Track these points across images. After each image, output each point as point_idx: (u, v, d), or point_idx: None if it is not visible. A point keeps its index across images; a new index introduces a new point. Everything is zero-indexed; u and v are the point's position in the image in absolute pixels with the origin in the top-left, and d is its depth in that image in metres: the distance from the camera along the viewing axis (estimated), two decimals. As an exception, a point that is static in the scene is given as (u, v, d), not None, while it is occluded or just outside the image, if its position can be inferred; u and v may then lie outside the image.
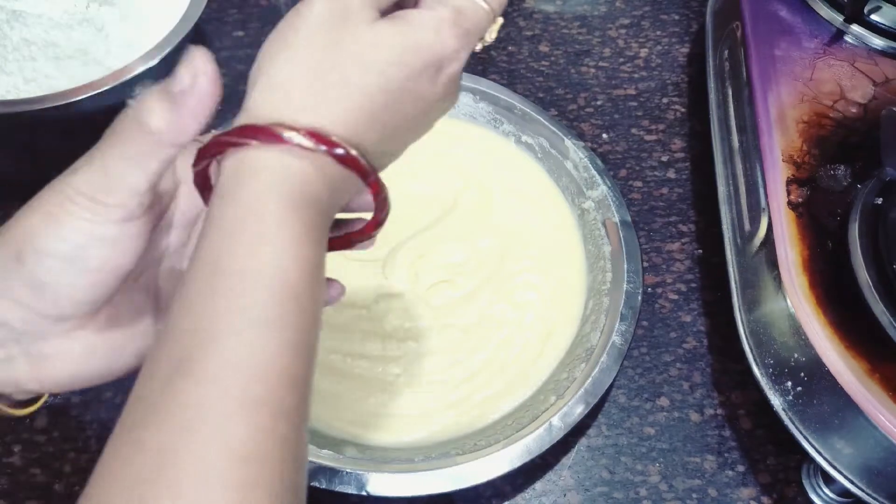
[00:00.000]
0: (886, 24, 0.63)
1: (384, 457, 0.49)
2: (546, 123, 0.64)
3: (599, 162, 0.62)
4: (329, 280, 0.33)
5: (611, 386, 0.51)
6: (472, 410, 0.52)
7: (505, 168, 0.65)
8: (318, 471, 0.45)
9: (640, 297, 0.54)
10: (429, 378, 0.54)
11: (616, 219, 0.58)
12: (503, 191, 0.63)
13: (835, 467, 0.45)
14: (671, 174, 0.69)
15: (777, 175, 0.53)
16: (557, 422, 0.48)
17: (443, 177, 0.64)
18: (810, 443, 0.45)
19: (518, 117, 0.65)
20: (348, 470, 0.45)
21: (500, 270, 0.59)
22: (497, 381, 0.54)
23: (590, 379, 0.50)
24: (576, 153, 0.62)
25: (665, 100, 0.75)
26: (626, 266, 0.55)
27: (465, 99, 0.67)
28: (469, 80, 0.67)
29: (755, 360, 0.49)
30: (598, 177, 0.60)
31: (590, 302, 0.57)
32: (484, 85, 0.67)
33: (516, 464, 0.46)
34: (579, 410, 0.48)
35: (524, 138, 0.65)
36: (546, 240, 0.61)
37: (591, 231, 0.60)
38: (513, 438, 0.47)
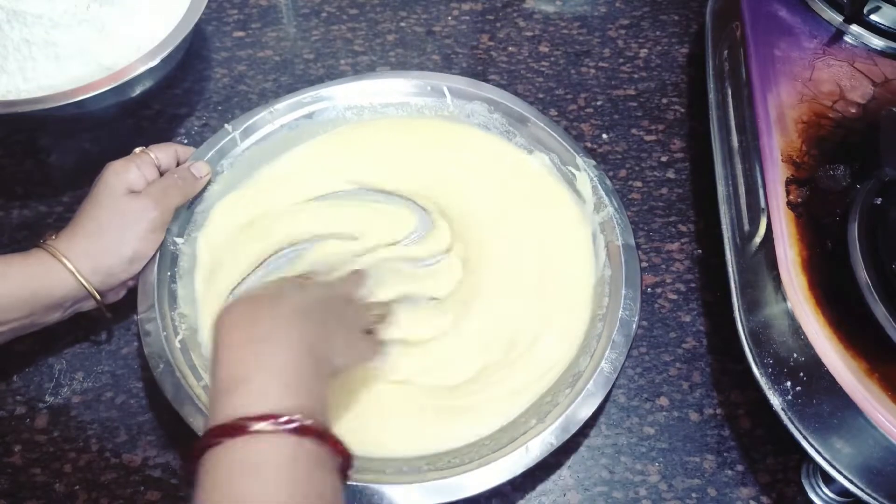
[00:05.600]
0: (886, 24, 0.63)
1: (355, 466, 0.48)
2: (559, 139, 0.63)
3: (608, 182, 0.61)
4: None
5: (599, 408, 0.50)
6: (453, 427, 0.51)
7: (522, 181, 0.64)
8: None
9: (634, 326, 0.53)
10: (410, 390, 0.53)
11: (619, 242, 0.57)
12: (519, 204, 0.62)
13: (834, 467, 0.45)
14: (671, 174, 0.69)
15: (776, 175, 0.53)
16: (534, 447, 0.47)
17: (456, 187, 0.63)
18: (810, 442, 0.45)
19: (530, 131, 0.65)
20: None
21: (504, 287, 0.58)
22: (484, 397, 0.52)
23: (572, 405, 0.49)
24: (586, 171, 0.61)
25: (665, 100, 0.75)
26: (623, 292, 0.54)
27: (479, 108, 0.66)
28: (480, 88, 0.66)
29: (754, 359, 0.49)
30: (606, 198, 0.59)
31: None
32: (497, 94, 0.66)
33: (489, 485, 0.46)
34: (554, 439, 0.47)
35: (536, 153, 0.65)
36: (560, 257, 0.59)
37: (595, 253, 0.59)
38: (487, 459, 0.47)
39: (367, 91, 0.67)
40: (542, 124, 0.64)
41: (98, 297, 0.51)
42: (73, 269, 0.49)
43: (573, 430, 0.48)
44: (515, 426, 0.50)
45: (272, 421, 0.33)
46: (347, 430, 0.49)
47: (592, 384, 0.50)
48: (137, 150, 0.56)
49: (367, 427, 0.51)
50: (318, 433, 0.35)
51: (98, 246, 0.50)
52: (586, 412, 0.49)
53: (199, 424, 0.47)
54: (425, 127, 0.67)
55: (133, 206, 0.52)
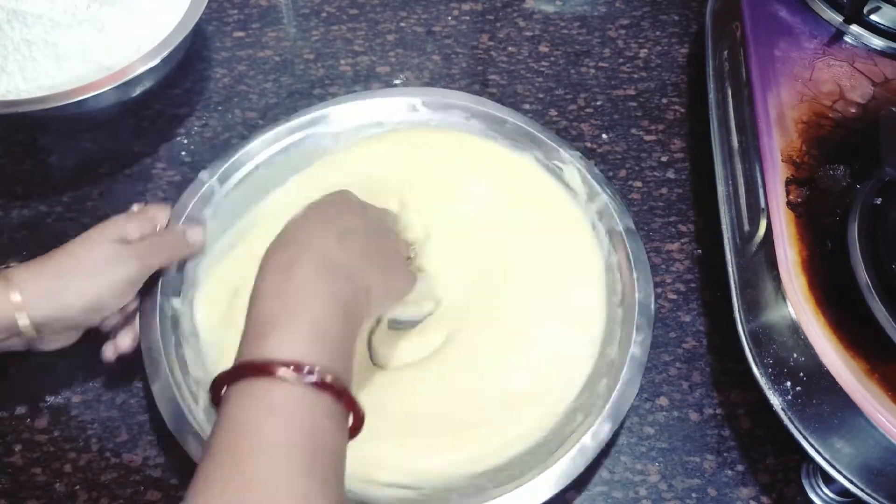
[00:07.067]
0: (886, 24, 0.63)
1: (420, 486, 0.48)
2: (540, 135, 0.63)
3: (597, 170, 0.61)
4: None
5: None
6: (499, 438, 0.50)
7: (513, 182, 0.63)
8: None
9: (653, 306, 0.53)
10: (422, 408, 0.52)
11: (620, 227, 0.57)
12: (514, 205, 0.62)
13: (834, 467, 0.45)
14: (671, 174, 0.69)
15: (776, 175, 0.53)
16: (589, 441, 0.47)
17: (449, 195, 0.63)
18: (810, 442, 0.45)
19: (511, 131, 0.64)
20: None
21: (519, 295, 0.57)
22: (520, 412, 0.51)
23: (614, 393, 0.49)
24: (572, 163, 0.61)
25: (665, 100, 0.75)
26: (634, 275, 0.54)
27: (456, 118, 0.65)
28: (451, 97, 0.66)
29: (754, 359, 0.49)
30: (597, 186, 0.59)
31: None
32: (466, 99, 0.65)
33: (556, 489, 0.45)
34: (608, 427, 0.47)
35: (520, 152, 0.64)
36: (564, 251, 0.59)
37: (598, 241, 0.59)
38: (546, 464, 0.46)
39: (338, 119, 0.65)
40: (520, 123, 0.64)
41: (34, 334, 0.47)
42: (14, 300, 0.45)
43: (622, 416, 0.48)
44: (561, 427, 0.50)
45: (295, 369, 0.35)
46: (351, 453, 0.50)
47: (627, 370, 0.50)
48: (135, 207, 0.55)
49: (375, 448, 0.49)
50: (335, 390, 0.36)
51: (63, 280, 0.47)
52: (629, 399, 0.49)
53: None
54: (407, 140, 0.65)
55: (117, 252, 0.49)
